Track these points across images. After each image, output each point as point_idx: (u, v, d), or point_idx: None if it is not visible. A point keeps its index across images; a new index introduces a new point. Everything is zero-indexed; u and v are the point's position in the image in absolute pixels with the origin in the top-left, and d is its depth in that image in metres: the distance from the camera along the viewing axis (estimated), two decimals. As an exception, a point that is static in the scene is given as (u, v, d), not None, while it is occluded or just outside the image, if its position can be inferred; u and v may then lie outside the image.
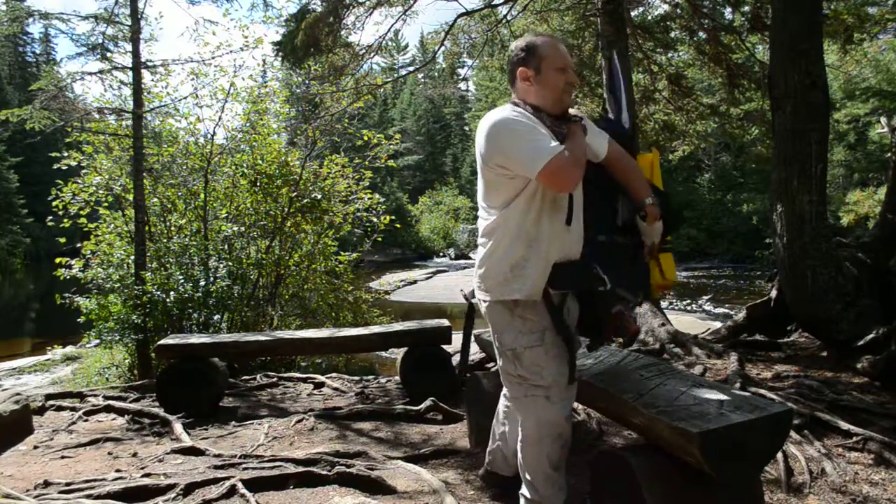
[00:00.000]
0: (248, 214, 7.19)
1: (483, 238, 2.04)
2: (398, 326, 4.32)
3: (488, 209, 2.02)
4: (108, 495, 2.44)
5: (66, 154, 6.64)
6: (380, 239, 8.05)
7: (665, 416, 1.89)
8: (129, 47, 6.11)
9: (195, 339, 4.22)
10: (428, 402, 3.68)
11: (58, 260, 6.35)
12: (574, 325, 2.12)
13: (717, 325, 6.77)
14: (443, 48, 7.62)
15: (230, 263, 6.51)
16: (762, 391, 3.32)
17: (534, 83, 1.98)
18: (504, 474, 2.44)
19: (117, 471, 2.85)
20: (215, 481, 2.57)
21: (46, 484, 2.67)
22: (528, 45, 2.03)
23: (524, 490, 2.17)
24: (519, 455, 2.14)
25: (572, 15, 7.76)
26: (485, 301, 2.05)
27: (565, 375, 1.99)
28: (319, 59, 6.33)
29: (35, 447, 3.36)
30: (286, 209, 7.09)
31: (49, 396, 4.37)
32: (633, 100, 2.39)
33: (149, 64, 6.24)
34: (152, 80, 6.62)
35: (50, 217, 6.64)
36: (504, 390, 2.36)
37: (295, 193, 7.08)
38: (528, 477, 2.12)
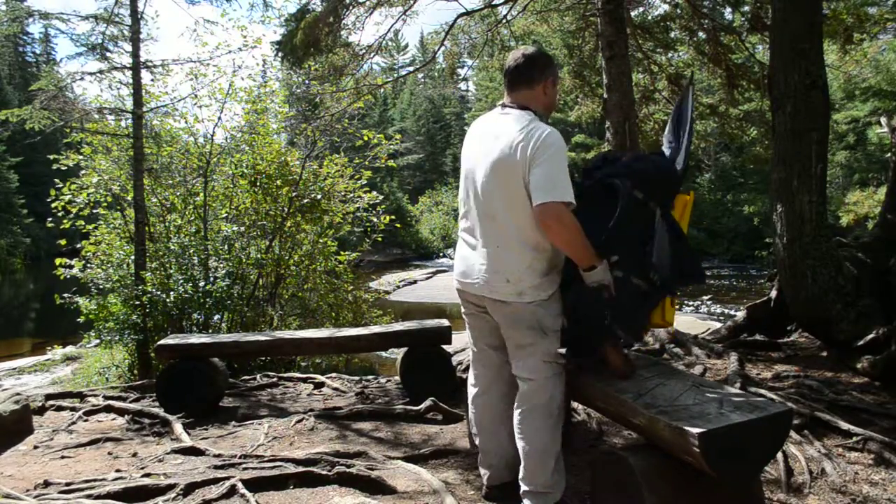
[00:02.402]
0: (247, 214, 7.19)
1: (519, 244, 2.11)
2: (398, 326, 4.32)
3: (525, 211, 2.07)
4: (108, 495, 2.44)
5: (65, 155, 6.64)
6: (380, 239, 8.04)
7: (665, 416, 1.89)
8: (128, 47, 6.10)
9: (195, 339, 4.22)
10: (428, 402, 3.67)
11: (58, 261, 6.36)
12: None
13: (717, 325, 6.77)
14: (443, 48, 7.62)
15: (230, 263, 6.51)
16: (762, 391, 3.32)
17: (548, 94, 2.22)
18: (507, 480, 2.42)
19: (117, 471, 2.85)
20: (215, 481, 2.57)
21: (46, 484, 2.67)
22: (551, 56, 2.27)
23: (529, 487, 2.19)
24: (529, 445, 2.18)
25: (572, 15, 7.75)
26: (521, 302, 2.13)
27: None
28: (319, 59, 6.32)
29: (35, 447, 3.36)
30: (286, 209, 7.09)
31: (49, 396, 4.37)
32: (691, 143, 2.41)
33: (148, 64, 6.23)
34: (151, 81, 6.62)
35: (50, 218, 6.64)
36: (477, 395, 2.43)
37: (295, 193, 7.08)
38: (540, 463, 2.18)
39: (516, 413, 2.25)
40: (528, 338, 2.19)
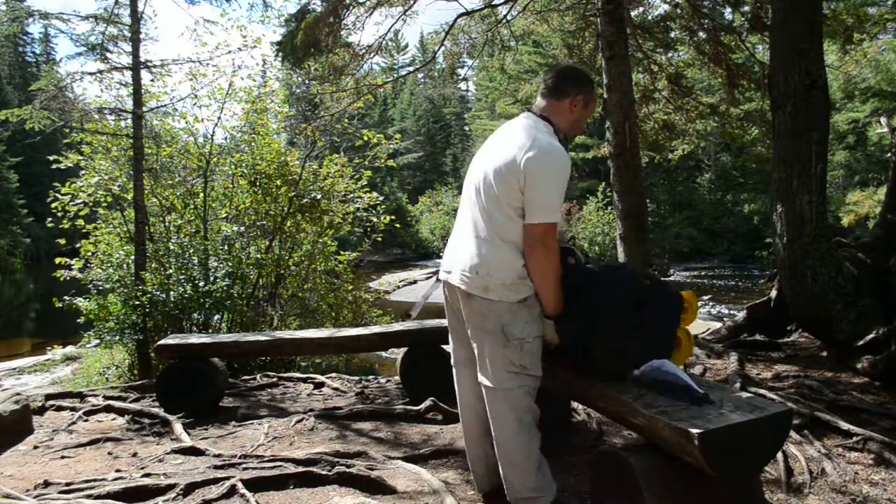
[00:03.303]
0: (247, 214, 7.19)
1: (500, 240, 2.07)
2: (398, 326, 4.32)
3: (515, 213, 2.05)
4: (108, 495, 2.44)
5: (65, 156, 6.63)
6: (380, 239, 8.05)
7: (665, 416, 1.89)
8: (128, 47, 6.11)
9: (195, 339, 4.22)
10: (428, 402, 3.67)
11: (58, 260, 6.35)
12: None
13: (717, 325, 6.76)
14: (443, 48, 7.61)
15: (230, 264, 6.51)
16: (762, 391, 3.32)
17: (574, 112, 2.17)
18: (497, 484, 2.35)
19: (117, 471, 2.85)
20: (215, 481, 2.57)
21: (46, 484, 2.67)
22: (591, 79, 2.24)
23: (516, 497, 2.16)
24: (505, 457, 2.14)
25: (572, 15, 7.75)
26: (485, 298, 2.07)
27: None
28: (319, 59, 6.32)
29: (35, 447, 3.36)
30: (286, 209, 7.09)
31: (49, 396, 4.37)
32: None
33: (148, 64, 6.23)
34: (151, 81, 6.62)
35: (49, 218, 6.64)
36: (461, 404, 2.39)
37: (295, 193, 7.08)
38: (520, 474, 2.13)
39: (491, 424, 2.18)
40: (488, 341, 2.09)
